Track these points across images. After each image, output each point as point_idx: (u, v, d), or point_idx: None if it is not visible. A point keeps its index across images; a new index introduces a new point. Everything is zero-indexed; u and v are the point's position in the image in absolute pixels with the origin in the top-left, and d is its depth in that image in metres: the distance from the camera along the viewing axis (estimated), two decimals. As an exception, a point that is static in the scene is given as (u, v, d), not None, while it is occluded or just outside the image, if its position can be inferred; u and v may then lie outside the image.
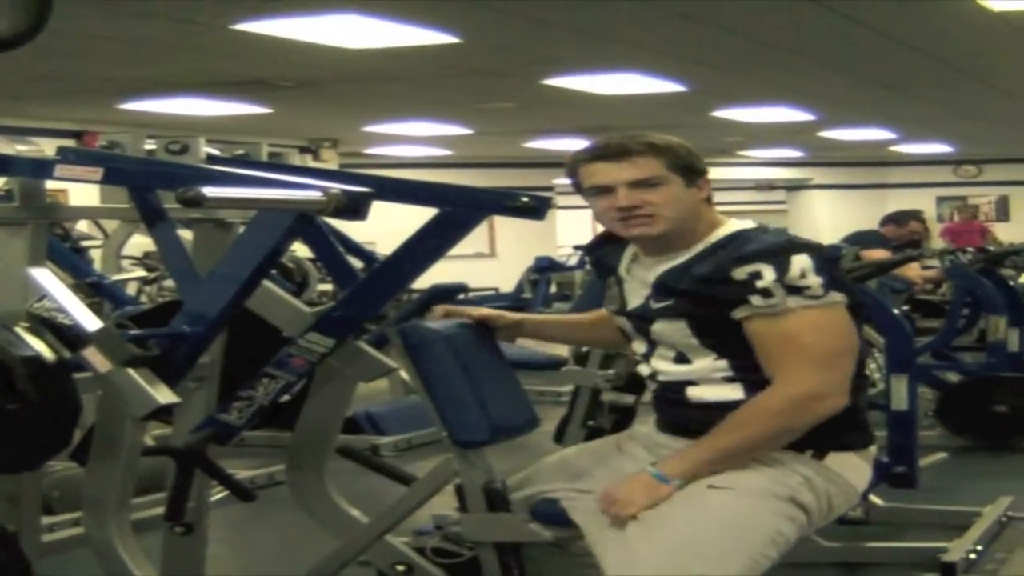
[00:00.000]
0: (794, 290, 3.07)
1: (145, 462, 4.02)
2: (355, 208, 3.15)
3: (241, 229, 3.94)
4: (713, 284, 3.13)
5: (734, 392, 3.19)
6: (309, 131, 17.68)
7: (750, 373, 3.16)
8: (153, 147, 4.30)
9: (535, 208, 3.63)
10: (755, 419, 3.11)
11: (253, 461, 6.87)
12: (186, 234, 4.13)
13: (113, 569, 3.91)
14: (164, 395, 3.53)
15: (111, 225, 9.81)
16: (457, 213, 3.73)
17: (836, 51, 10.78)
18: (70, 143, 11.03)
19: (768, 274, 3.07)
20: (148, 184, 3.86)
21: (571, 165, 3.32)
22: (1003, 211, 25.21)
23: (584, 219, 28.99)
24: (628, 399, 5.40)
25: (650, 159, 3.19)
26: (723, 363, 3.20)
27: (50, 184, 3.83)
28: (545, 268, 15.77)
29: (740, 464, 3.14)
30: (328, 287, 13.45)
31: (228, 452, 3.96)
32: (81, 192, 3.99)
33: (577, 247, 16.46)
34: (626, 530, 3.11)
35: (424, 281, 3.93)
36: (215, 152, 4.33)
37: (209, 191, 2.98)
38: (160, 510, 3.99)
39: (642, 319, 3.30)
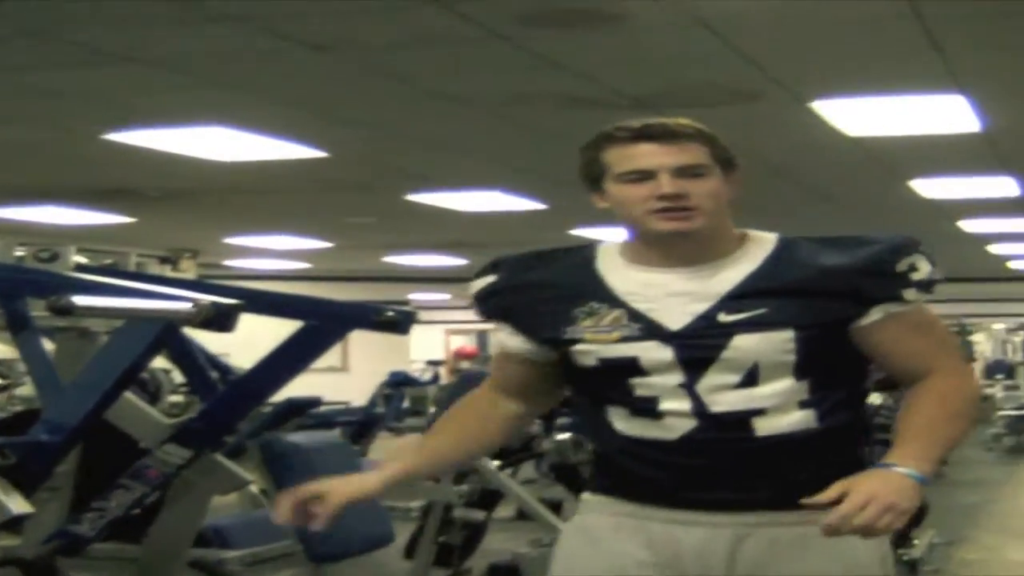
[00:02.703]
0: (931, 287, 2.78)
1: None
2: (224, 320, 3.21)
3: (105, 338, 3.97)
4: (862, 277, 2.69)
5: (808, 420, 2.69)
6: (170, 241, 17.59)
7: (828, 396, 2.72)
8: (22, 254, 4.31)
9: (400, 322, 3.71)
10: (964, 406, 2.76)
11: (101, 575, 6.79)
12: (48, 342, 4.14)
13: None
14: (18, 505, 3.51)
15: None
16: (322, 327, 3.80)
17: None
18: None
19: (924, 266, 2.74)
20: (18, 291, 3.88)
21: (596, 145, 2.78)
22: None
23: (437, 334, 29.05)
24: (479, 515, 5.43)
25: (697, 145, 2.75)
26: (803, 384, 2.70)
27: None
28: (399, 383, 15.74)
29: None
30: (179, 398, 13.38)
31: (77, 564, 3.93)
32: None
33: (431, 362, 16.50)
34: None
35: (277, 394, 3.97)
36: (84, 261, 4.36)
37: (79, 300, 3.02)
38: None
39: (702, 337, 2.67)
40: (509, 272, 2.87)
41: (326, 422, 11.00)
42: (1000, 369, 31.10)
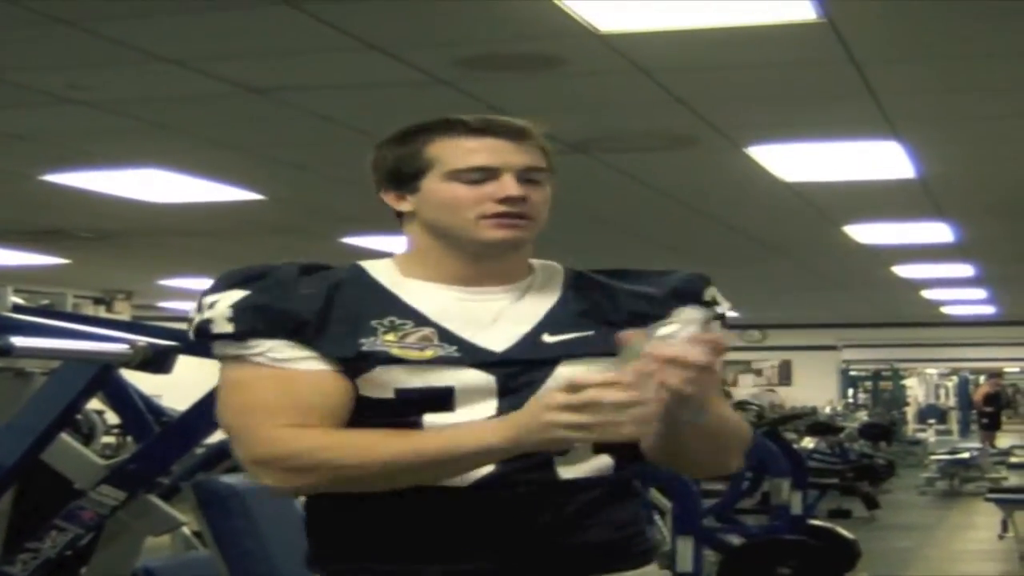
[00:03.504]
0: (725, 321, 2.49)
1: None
2: (161, 361, 3.21)
3: (41, 379, 3.95)
4: (677, 302, 2.27)
5: (603, 462, 2.27)
6: (104, 282, 17.52)
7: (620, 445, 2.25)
8: (-42, 295, 4.29)
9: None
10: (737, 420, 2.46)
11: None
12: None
13: None
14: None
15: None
16: (259, 369, 3.79)
17: (626, 215, 11.11)
18: None
19: (723, 301, 2.47)
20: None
21: (421, 135, 2.32)
22: (786, 375, 25.99)
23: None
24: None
25: (539, 149, 2.33)
26: None
27: None
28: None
29: None
30: (112, 439, 13.30)
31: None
32: None
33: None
34: None
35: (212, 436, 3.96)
36: (20, 302, 4.34)
37: (18, 341, 3.01)
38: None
39: (527, 363, 2.23)
40: (277, 280, 2.27)
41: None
42: (932, 414, 31.46)
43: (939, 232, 12.27)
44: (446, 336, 2.21)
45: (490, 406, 2.19)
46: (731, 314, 2.49)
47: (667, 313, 2.15)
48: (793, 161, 8.78)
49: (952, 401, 34.68)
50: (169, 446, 3.94)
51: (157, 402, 8.03)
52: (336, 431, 2.19)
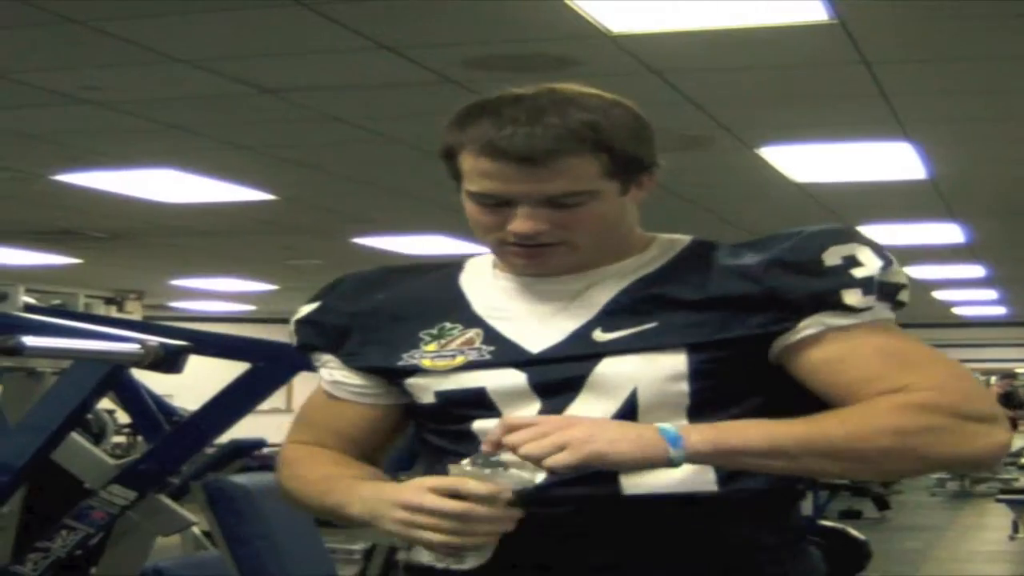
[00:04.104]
0: (891, 294, 1.99)
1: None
2: (172, 361, 3.20)
3: (52, 379, 3.95)
4: (778, 274, 1.93)
5: (704, 478, 1.90)
6: (116, 282, 17.53)
7: None
8: (-30, 294, 4.30)
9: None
10: (879, 411, 1.87)
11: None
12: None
13: None
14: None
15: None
16: (270, 369, 3.80)
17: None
18: None
19: (868, 259, 1.95)
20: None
21: (454, 136, 2.03)
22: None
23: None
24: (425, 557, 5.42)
25: (583, 160, 1.93)
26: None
27: None
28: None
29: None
30: (123, 439, 13.31)
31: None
32: None
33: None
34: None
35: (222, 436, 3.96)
36: (32, 301, 4.35)
37: (29, 340, 3.01)
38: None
39: (567, 361, 1.97)
40: (344, 293, 2.19)
41: (270, 464, 10.96)
42: (944, 415, 31.29)
43: (950, 233, 12.25)
44: (490, 336, 2.02)
45: (533, 408, 1.96)
46: (891, 278, 1.97)
47: (766, 293, 1.91)
48: (804, 162, 8.78)
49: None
50: (179, 446, 3.95)
51: (168, 402, 8.07)
52: (326, 463, 2.12)
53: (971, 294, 19.40)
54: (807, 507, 8.88)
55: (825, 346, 1.92)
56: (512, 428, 1.82)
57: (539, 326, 2.01)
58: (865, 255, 1.94)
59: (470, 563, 1.83)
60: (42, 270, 14.39)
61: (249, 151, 8.36)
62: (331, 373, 2.15)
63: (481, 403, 1.98)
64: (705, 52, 6.00)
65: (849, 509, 13.94)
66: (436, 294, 2.12)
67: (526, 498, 1.84)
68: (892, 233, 12.29)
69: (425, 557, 1.88)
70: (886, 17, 5.49)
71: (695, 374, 1.91)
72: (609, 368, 1.93)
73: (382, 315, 2.12)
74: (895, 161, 8.58)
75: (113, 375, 3.62)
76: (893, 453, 1.87)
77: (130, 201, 10.01)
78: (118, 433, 13.24)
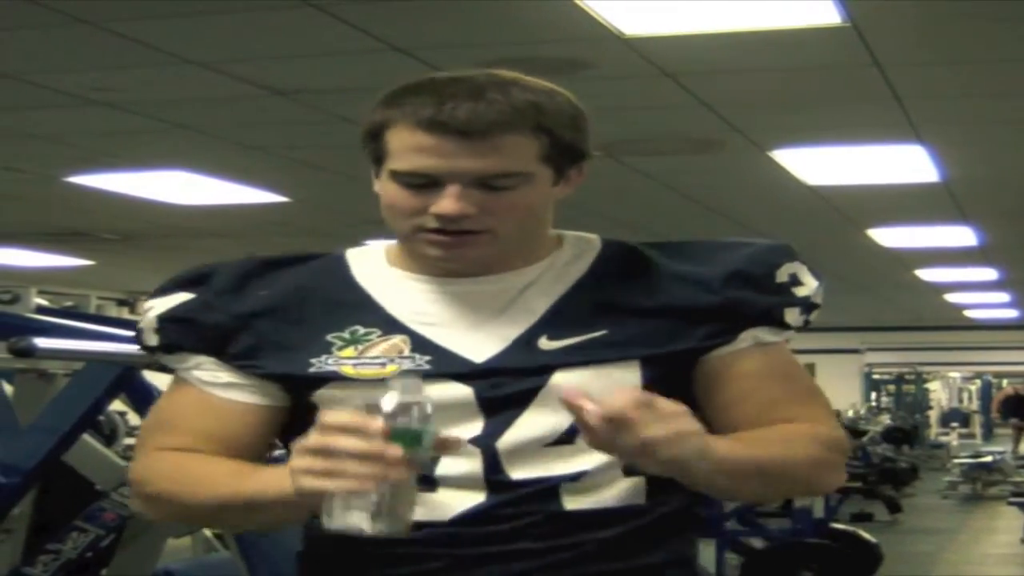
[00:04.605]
0: (811, 313, 1.99)
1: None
2: (183, 364, 3.19)
3: (64, 381, 3.95)
4: (736, 287, 1.89)
5: (635, 493, 1.86)
6: (128, 284, 17.55)
7: None
8: (-18, 295, 4.30)
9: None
10: (801, 439, 1.88)
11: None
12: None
13: None
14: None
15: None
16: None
17: (651, 219, 11.11)
18: None
19: (807, 279, 1.97)
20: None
21: (383, 112, 1.93)
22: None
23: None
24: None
25: (523, 139, 1.84)
26: None
27: None
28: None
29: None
30: (134, 441, 13.34)
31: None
32: None
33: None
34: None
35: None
36: (44, 303, 4.35)
37: (41, 342, 3.01)
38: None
39: (517, 372, 1.84)
40: (222, 288, 1.96)
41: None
42: (956, 417, 31.34)
43: (962, 236, 12.24)
44: (420, 344, 1.85)
45: (476, 426, 1.81)
46: (818, 300, 1.99)
47: (724, 305, 1.86)
48: (817, 165, 8.77)
49: (975, 405, 34.56)
50: (191, 448, 3.93)
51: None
52: (197, 461, 1.89)
53: (983, 297, 19.38)
54: (819, 509, 8.89)
55: (746, 360, 1.90)
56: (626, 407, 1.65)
57: (475, 333, 1.87)
58: (805, 275, 1.96)
59: (380, 527, 1.62)
60: (54, 272, 14.42)
61: (261, 152, 8.37)
62: (211, 374, 1.92)
63: None
64: (717, 55, 6.00)
65: (860, 512, 13.93)
66: (333, 293, 1.93)
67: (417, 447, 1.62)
68: (905, 236, 12.30)
69: (334, 521, 1.63)
70: (899, 20, 5.48)
71: (646, 388, 1.77)
72: (562, 381, 1.81)
73: (275, 315, 1.91)
74: (908, 164, 8.58)
75: (125, 377, 3.61)
76: (803, 480, 1.94)
77: (142, 203, 10.03)
78: (129, 435, 13.24)
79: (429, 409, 1.63)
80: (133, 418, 11.02)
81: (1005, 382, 29.85)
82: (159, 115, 7.25)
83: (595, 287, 1.90)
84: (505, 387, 1.83)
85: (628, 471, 1.82)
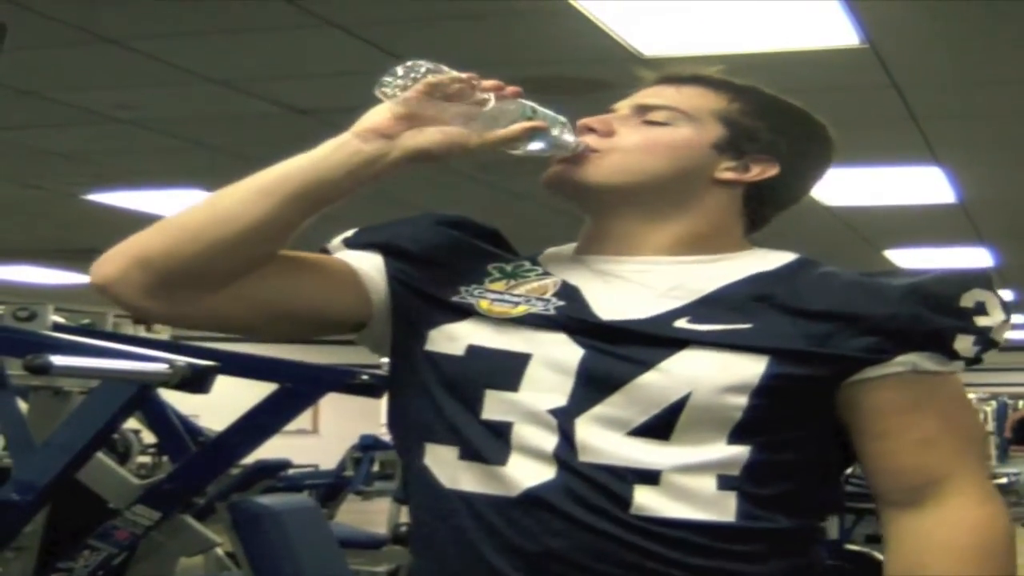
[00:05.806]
0: (988, 350, 1.75)
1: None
2: (200, 381, 3.20)
3: (79, 398, 3.96)
4: (908, 302, 1.67)
5: (722, 508, 1.63)
6: (146, 301, 17.62)
7: (766, 480, 1.65)
8: (0, 313, 4.32)
9: (374, 386, 3.72)
10: (999, 566, 1.78)
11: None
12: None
13: None
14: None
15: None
16: (297, 389, 3.80)
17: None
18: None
19: (996, 313, 1.71)
20: (-4, 350, 3.87)
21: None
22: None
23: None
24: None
25: (702, 90, 1.91)
26: (741, 450, 1.64)
27: None
28: (369, 446, 15.58)
29: None
30: (147, 459, 13.34)
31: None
32: None
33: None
34: None
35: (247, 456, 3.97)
36: (61, 320, 4.36)
37: (57, 360, 3.01)
38: None
39: (634, 343, 1.66)
40: (425, 224, 1.92)
41: (295, 485, 10.99)
42: (973, 440, 31.17)
43: (979, 257, 12.19)
44: (565, 291, 1.73)
45: (558, 394, 1.64)
46: (1000, 336, 1.74)
47: (892, 317, 1.66)
48: (834, 186, 8.75)
49: (991, 426, 34.45)
50: (205, 466, 3.95)
51: (194, 422, 8.09)
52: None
53: (1001, 319, 19.27)
54: (833, 531, 8.86)
55: (894, 389, 1.68)
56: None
57: (623, 300, 1.71)
58: (994, 306, 1.70)
59: (479, 125, 1.82)
60: (72, 289, 14.43)
61: (279, 171, 8.37)
62: (357, 253, 1.93)
63: (510, 372, 1.67)
64: (735, 75, 5.99)
65: (875, 533, 13.85)
66: (515, 255, 1.87)
67: None
68: (922, 257, 12.25)
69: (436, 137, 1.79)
70: (917, 42, 5.48)
71: (761, 388, 1.62)
72: (674, 363, 1.63)
73: (456, 248, 1.84)
74: (925, 185, 8.57)
75: (140, 395, 3.62)
76: None
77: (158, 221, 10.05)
78: (143, 453, 13.26)
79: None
80: (147, 436, 11.02)
81: (1021, 403, 29.70)
82: (179, 133, 7.26)
83: (761, 283, 1.76)
84: (618, 353, 1.65)
85: (726, 485, 1.63)
